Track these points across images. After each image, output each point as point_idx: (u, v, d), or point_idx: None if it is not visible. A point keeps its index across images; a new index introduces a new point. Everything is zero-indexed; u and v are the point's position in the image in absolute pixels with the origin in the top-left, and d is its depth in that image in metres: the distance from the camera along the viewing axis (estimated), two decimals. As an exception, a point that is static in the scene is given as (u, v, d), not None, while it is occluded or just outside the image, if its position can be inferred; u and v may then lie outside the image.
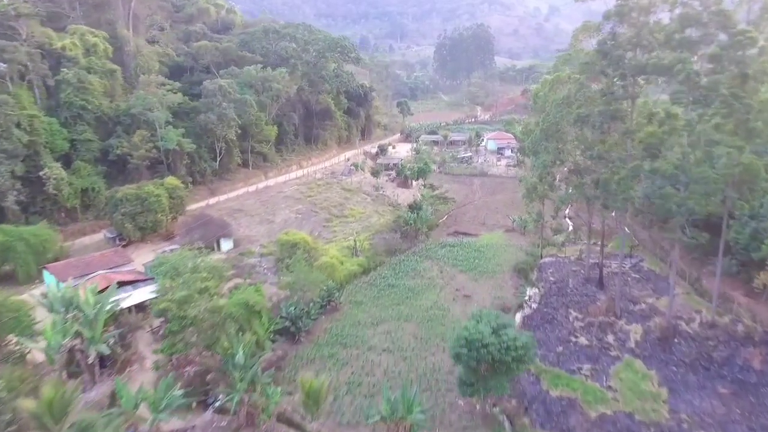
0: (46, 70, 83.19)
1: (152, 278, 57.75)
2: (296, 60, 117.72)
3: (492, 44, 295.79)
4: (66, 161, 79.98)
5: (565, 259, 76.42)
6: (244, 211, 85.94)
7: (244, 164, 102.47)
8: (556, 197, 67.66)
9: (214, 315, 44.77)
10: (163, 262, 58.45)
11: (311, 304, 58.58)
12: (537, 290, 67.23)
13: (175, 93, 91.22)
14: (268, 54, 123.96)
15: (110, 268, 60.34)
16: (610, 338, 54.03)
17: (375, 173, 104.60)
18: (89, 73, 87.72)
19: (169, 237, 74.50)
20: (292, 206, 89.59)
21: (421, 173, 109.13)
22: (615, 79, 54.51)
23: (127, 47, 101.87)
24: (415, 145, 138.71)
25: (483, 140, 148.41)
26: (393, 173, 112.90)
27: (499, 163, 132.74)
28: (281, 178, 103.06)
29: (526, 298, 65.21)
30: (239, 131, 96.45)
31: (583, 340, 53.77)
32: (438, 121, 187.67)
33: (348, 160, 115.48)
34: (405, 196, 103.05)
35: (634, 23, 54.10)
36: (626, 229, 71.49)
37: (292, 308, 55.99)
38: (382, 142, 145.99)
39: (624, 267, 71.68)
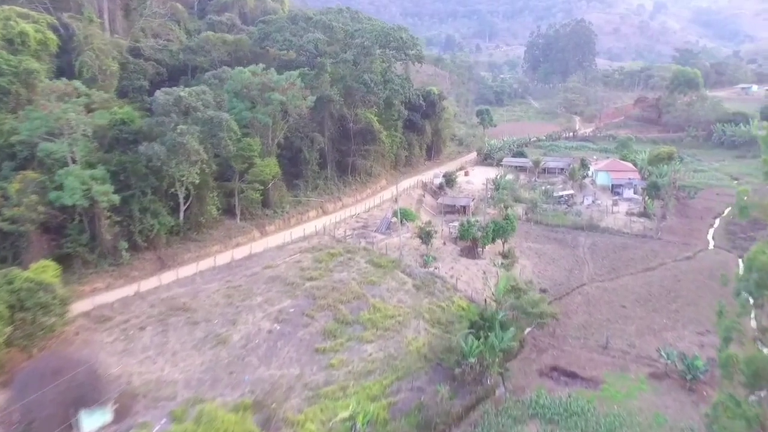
0: None
1: None
2: (326, 58, 77.96)
3: (593, 42, 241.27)
4: None
5: None
6: (189, 311, 47.60)
7: (231, 212, 64.44)
8: None
9: None
10: None
11: None
12: None
13: (117, 109, 54.73)
14: (299, 50, 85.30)
15: None
16: None
17: (424, 235, 62.86)
18: (-5, 75, 53.34)
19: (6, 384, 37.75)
20: (274, 301, 50.13)
21: (499, 234, 66.14)
22: None
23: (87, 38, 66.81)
24: (495, 176, 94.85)
25: (590, 171, 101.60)
26: (455, 227, 70.70)
27: (615, 208, 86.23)
28: (282, 237, 63.79)
29: None
30: (213, 167, 58.48)
31: None
32: (527, 136, 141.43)
33: (396, 199, 74.66)
34: (470, 276, 60.75)
35: None
36: None
37: None
38: (449, 168, 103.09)
39: None
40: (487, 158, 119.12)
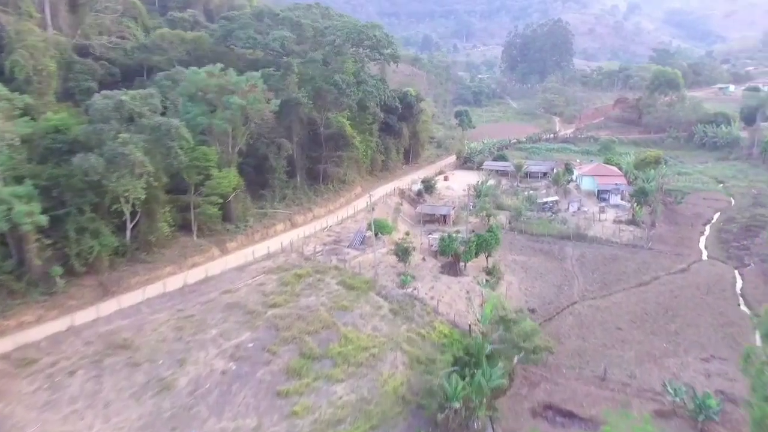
0: None
1: None
2: (293, 58, 71.51)
3: (571, 42, 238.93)
4: None
5: None
6: (131, 350, 40.77)
7: (187, 229, 57.61)
8: None
9: None
10: None
11: None
12: None
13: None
14: (264, 48, 78.72)
15: None
16: None
17: (401, 253, 57.05)
18: None
19: None
20: (231, 334, 43.71)
21: (483, 247, 60.66)
22: None
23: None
24: (476, 182, 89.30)
25: (575, 176, 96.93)
26: (435, 240, 64.97)
27: (603, 216, 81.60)
28: (244, 255, 57.15)
29: None
30: (164, 180, 51.76)
31: None
32: (507, 138, 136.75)
33: (372, 209, 68.47)
34: (452, 296, 55.00)
35: None
36: None
37: None
38: (428, 173, 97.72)
39: None
40: (467, 162, 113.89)
